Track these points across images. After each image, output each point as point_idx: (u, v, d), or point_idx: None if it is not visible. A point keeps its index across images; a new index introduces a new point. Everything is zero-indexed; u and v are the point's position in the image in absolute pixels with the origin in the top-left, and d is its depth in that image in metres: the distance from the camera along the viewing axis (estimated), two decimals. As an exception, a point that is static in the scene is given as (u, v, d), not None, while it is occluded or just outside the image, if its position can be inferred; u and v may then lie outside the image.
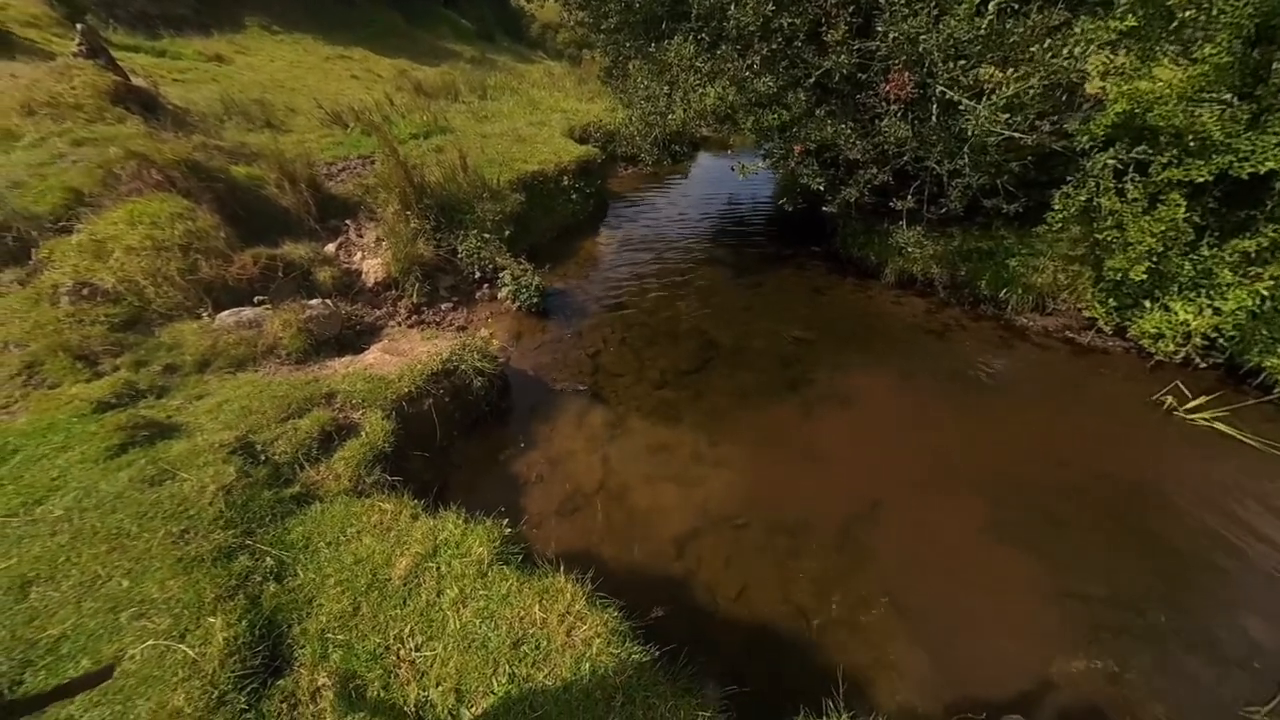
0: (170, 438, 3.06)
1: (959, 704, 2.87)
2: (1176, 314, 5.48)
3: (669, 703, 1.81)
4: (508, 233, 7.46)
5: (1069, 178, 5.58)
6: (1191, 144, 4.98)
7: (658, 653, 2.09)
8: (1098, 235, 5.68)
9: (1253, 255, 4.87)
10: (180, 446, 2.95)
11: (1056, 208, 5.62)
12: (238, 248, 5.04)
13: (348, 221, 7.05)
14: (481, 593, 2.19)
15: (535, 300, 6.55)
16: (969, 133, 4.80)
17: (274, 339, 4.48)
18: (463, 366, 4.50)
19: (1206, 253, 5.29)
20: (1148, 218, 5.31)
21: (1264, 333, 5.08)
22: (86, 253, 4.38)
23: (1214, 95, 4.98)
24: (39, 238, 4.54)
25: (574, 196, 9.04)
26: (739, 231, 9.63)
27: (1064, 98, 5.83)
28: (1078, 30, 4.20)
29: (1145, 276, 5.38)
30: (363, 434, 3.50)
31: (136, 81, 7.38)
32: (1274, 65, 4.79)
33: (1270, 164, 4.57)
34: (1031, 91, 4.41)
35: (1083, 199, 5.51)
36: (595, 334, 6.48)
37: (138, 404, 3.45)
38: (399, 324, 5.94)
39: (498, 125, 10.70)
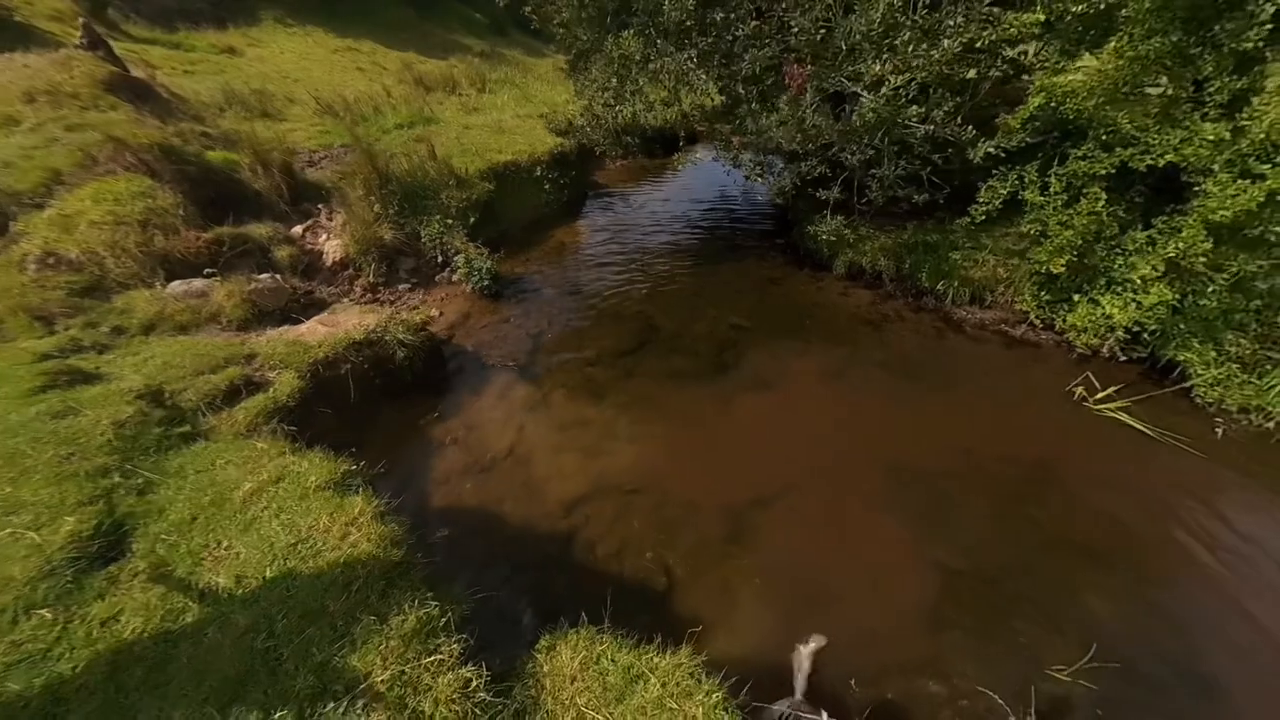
0: (90, 384, 3.48)
1: (778, 654, 3.11)
2: (1103, 308, 5.53)
3: (406, 593, 2.13)
4: (473, 220, 7.80)
5: (995, 170, 5.67)
6: (1105, 137, 5.03)
7: (426, 560, 2.42)
8: (1023, 228, 5.77)
9: (1147, 249, 4.91)
10: (94, 391, 3.36)
11: (981, 200, 5.72)
12: (197, 225, 5.51)
13: (320, 206, 7.50)
14: (294, 507, 2.54)
15: (486, 283, 6.89)
16: (858, 124, 4.96)
17: (218, 308, 4.91)
18: (386, 338, 4.87)
19: (1130, 246, 5.34)
20: (1069, 211, 5.38)
21: (1181, 327, 5.12)
22: (55, 226, 4.88)
23: (1129, 89, 5.01)
24: (17, 213, 5.07)
25: (547, 187, 9.35)
26: (712, 223, 9.82)
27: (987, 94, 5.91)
28: (949, 25, 4.32)
29: (1064, 270, 5.45)
30: (271, 390, 3.88)
31: (135, 73, 7.97)
32: (1190, 56, 4.80)
33: (1170, 157, 4.60)
34: (914, 86, 4.55)
35: (1005, 192, 5.61)
36: (542, 316, 6.79)
37: (74, 357, 3.90)
38: (353, 301, 6.34)
39: (483, 117, 11.09)
